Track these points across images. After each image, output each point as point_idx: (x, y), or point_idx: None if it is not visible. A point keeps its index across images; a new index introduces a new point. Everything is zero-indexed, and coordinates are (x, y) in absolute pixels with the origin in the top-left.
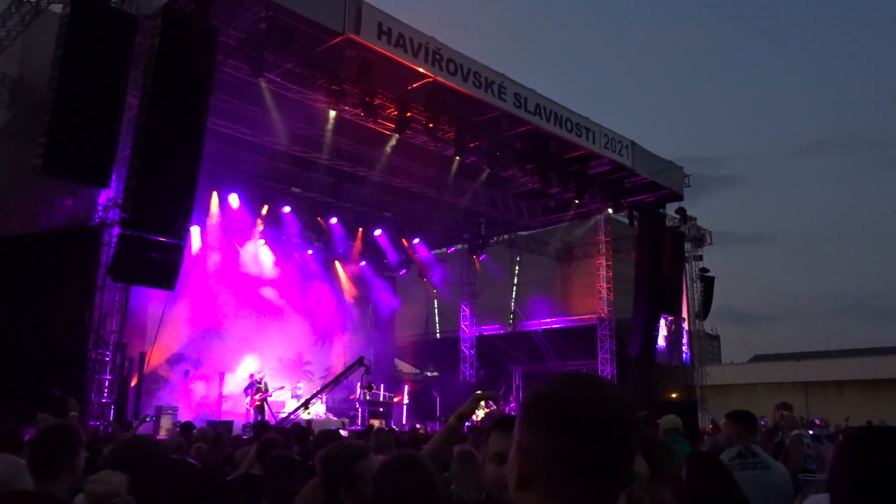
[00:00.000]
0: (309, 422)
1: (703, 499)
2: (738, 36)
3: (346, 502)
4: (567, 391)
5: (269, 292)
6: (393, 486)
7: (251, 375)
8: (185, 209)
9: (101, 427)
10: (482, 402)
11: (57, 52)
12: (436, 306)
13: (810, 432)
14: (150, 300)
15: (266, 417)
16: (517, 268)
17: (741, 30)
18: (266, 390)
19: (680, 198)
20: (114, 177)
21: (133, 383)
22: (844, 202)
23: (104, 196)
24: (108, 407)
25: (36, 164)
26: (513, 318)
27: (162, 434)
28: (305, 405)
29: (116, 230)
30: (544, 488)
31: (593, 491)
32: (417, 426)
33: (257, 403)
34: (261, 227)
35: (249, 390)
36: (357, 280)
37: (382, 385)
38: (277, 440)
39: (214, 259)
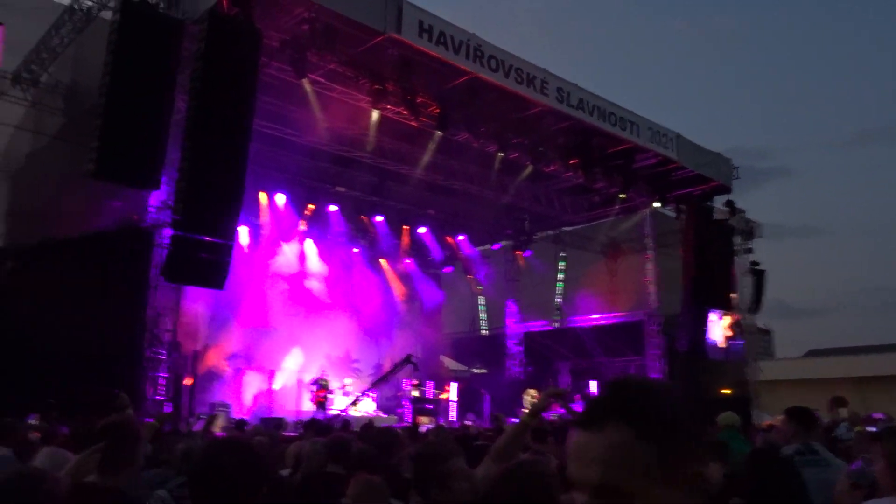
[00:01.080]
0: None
1: (768, 496)
2: (785, 25)
3: (437, 500)
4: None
5: (316, 290)
6: (511, 497)
7: (321, 371)
8: (233, 210)
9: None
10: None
11: (107, 58)
12: (481, 303)
13: (872, 429)
14: (200, 299)
15: (327, 413)
16: (562, 263)
17: (787, 18)
18: (328, 388)
19: (728, 190)
20: (164, 179)
21: (187, 382)
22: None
23: (155, 198)
24: (162, 404)
25: (89, 169)
26: (558, 315)
27: (218, 431)
28: (355, 402)
29: (168, 231)
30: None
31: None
32: (468, 423)
33: (320, 400)
34: (305, 227)
35: (314, 386)
36: (403, 277)
37: (430, 382)
38: (348, 439)
39: (262, 258)
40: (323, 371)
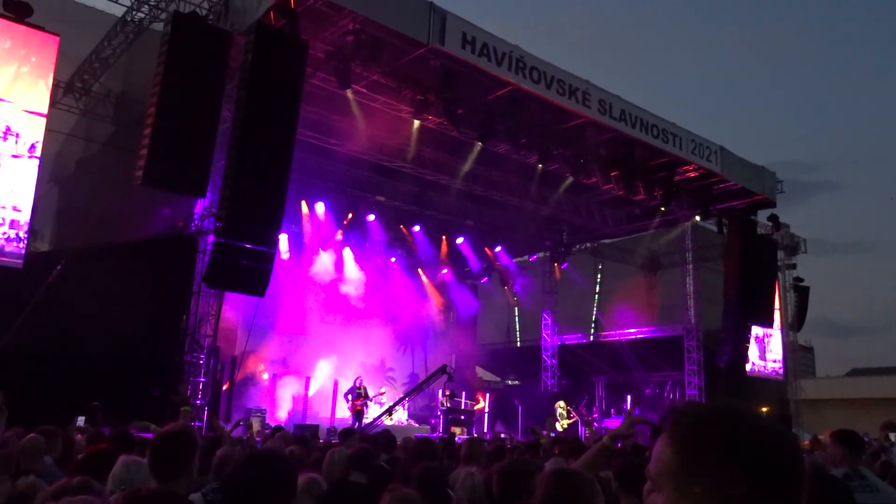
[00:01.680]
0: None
1: None
2: (834, 39)
3: None
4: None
5: (353, 298)
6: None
7: (356, 380)
8: (275, 218)
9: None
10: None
11: (158, 68)
12: (517, 314)
13: None
14: (240, 306)
15: (363, 423)
16: (599, 276)
17: (837, 33)
18: (366, 395)
19: (772, 204)
20: (209, 186)
21: (225, 387)
22: None
23: (200, 205)
24: (202, 409)
25: (137, 176)
26: (595, 328)
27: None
28: (389, 411)
29: (212, 238)
30: None
31: None
32: (502, 435)
33: (357, 409)
34: (342, 236)
35: (350, 395)
36: (440, 287)
37: (464, 393)
38: (370, 450)
39: (302, 266)
40: (360, 379)
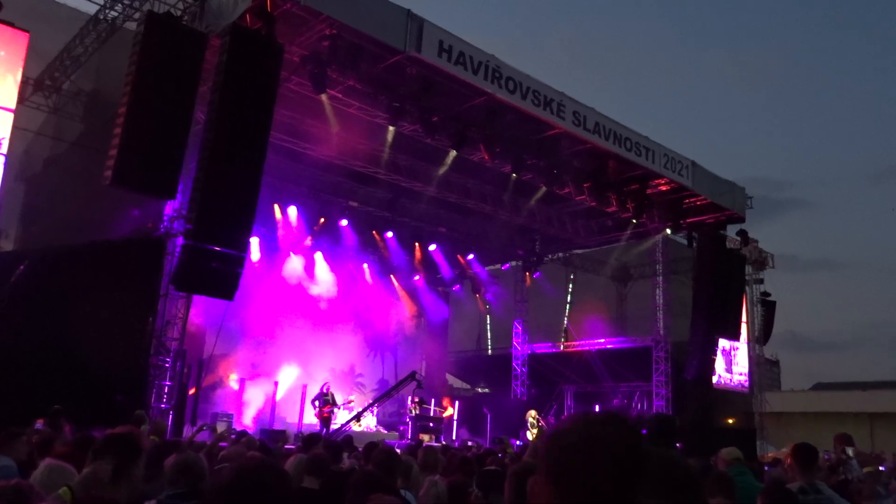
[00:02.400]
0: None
1: None
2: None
3: None
4: (564, 438)
5: (323, 303)
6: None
7: (322, 386)
8: (246, 221)
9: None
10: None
11: (130, 67)
12: (488, 322)
13: (882, 468)
14: (209, 309)
15: (330, 429)
16: (571, 286)
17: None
18: (334, 402)
19: (742, 220)
20: (180, 188)
21: (191, 392)
22: None
23: (170, 207)
24: (167, 413)
25: (106, 176)
26: (565, 337)
27: (220, 442)
28: (357, 418)
29: (180, 240)
30: None
31: None
32: (469, 443)
33: (325, 415)
34: (313, 241)
35: (318, 401)
36: (411, 294)
37: (433, 400)
38: (325, 456)
39: (273, 270)
40: (328, 385)
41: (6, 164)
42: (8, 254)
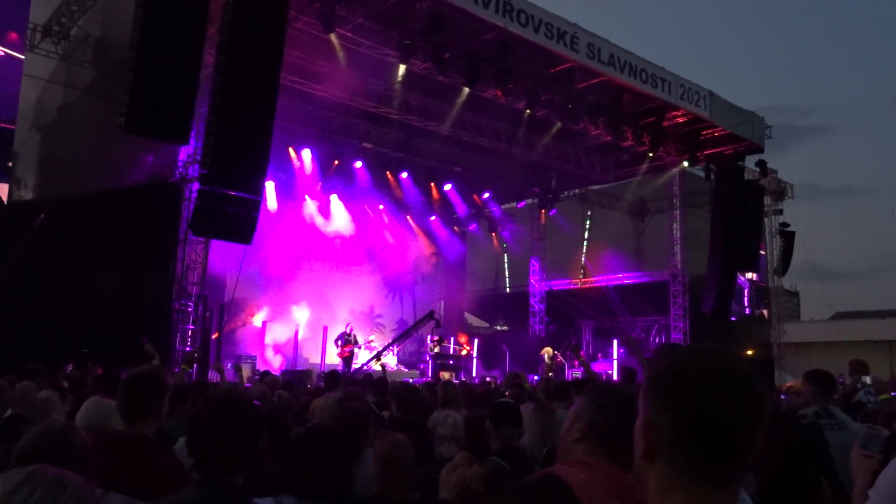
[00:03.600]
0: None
1: (793, 458)
2: None
3: None
4: (691, 364)
5: (341, 245)
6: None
7: (347, 326)
8: (260, 165)
9: (186, 375)
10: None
11: (137, 10)
12: (505, 261)
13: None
14: (228, 254)
15: (352, 369)
16: (588, 222)
17: None
18: (356, 342)
19: (761, 150)
20: (192, 133)
21: (214, 336)
22: None
23: (184, 152)
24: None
25: (119, 122)
26: (583, 274)
27: (245, 383)
28: (378, 357)
29: (196, 186)
30: (666, 460)
31: (715, 466)
32: (487, 379)
33: (346, 355)
34: (329, 183)
35: (339, 341)
36: (428, 234)
37: (452, 338)
38: (360, 392)
39: (289, 213)
40: (351, 326)
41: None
42: (28, 202)
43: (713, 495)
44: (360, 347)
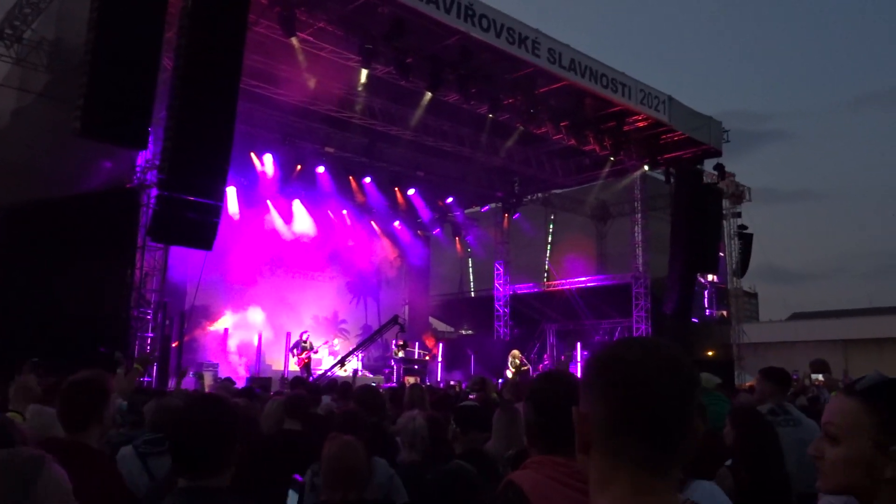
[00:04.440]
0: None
1: (747, 452)
2: None
3: None
4: (621, 353)
5: (303, 251)
6: None
7: (301, 334)
8: (220, 170)
9: (145, 382)
10: (517, 360)
11: (91, 14)
12: (470, 265)
13: None
14: (188, 260)
15: (313, 375)
16: (551, 226)
17: None
18: (312, 348)
19: (719, 154)
20: (151, 138)
21: (174, 344)
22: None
23: (142, 158)
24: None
25: (75, 127)
26: (547, 277)
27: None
28: (342, 362)
29: (155, 191)
30: (603, 451)
31: (650, 453)
32: (452, 383)
33: (305, 362)
34: (291, 188)
35: (296, 349)
36: (392, 239)
37: (417, 343)
38: (304, 397)
39: (250, 219)
40: (306, 333)
41: None
42: None
43: (651, 483)
44: (315, 352)
